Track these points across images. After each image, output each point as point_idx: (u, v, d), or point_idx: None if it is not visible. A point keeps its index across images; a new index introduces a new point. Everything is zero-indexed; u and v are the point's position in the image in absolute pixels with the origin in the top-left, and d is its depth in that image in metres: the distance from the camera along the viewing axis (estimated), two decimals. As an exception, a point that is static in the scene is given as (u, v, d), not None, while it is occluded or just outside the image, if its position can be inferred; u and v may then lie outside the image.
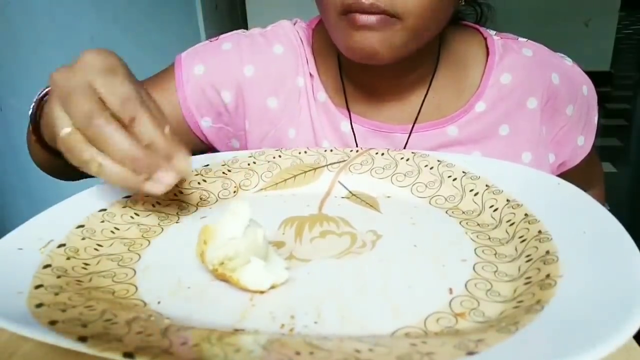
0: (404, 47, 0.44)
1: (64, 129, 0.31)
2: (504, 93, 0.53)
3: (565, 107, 0.53)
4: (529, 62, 0.53)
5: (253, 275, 0.28)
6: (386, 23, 0.42)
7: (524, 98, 0.53)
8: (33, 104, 0.43)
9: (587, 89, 0.55)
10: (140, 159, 0.31)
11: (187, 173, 0.33)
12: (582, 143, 0.56)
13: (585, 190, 0.34)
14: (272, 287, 0.29)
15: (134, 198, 0.38)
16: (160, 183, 0.32)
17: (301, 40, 0.56)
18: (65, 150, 0.31)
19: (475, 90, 0.53)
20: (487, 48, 0.54)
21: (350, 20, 0.42)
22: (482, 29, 0.56)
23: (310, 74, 0.55)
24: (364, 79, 0.53)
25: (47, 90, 0.43)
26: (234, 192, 0.42)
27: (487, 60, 0.54)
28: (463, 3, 0.50)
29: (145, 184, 0.32)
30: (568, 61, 0.55)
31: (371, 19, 0.42)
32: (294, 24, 0.58)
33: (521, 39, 0.55)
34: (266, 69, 0.54)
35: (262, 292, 0.28)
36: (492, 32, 0.56)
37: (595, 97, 0.56)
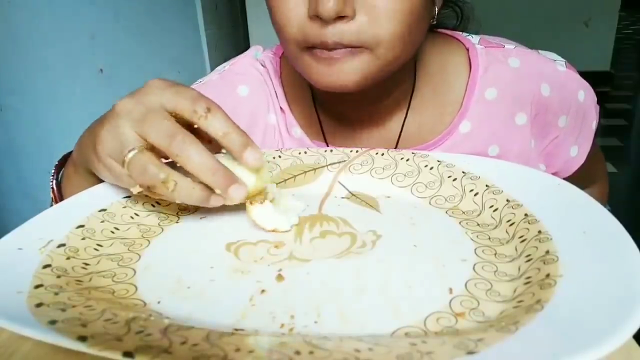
0: (376, 75, 0.41)
1: (132, 150, 0.31)
2: (490, 110, 0.49)
3: (557, 119, 0.50)
4: (516, 74, 0.49)
5: (262, 214, 0.34)
6: (354, 53, 0.39)
7: (512, 114, 0.49)
8: (52, 177, 0.44)
9: (584, 94, 0.50)
10: (219, 171, 0.31)
11: (261, 164, 0.33)
12: (575, 154, 0.52)
13: (587, 187, 0.33)
14: (274, 230, 0.34)
15: (134, 198, 0.38)
16: (231, 198, 0.32)
17: (267, 73, 0.53)
18: (136, 171, 0.32)
19: (459, 108, 0.49)
20: (470, 59, 0.50)
21: (314, 54, 0.40)
22: (462, 38, 0.52)
23: (282, 109, 0.53)
24: (338, 108, 0.51)
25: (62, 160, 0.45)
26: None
27: (469, 74, 0.50)
28: (434, 22, 0.46)
29: (211, 199, 0.33)
30: (561, 66, 0.50)
31: (337, 53, 0.39)
32: (255, 55, 0.55)
33: (508, 46, 0.51)
34: (235, 111, 0.51)
35: (272, 231, 0.34)
36: (475, 39, 0.52)
37: (594, 100, 0.51)
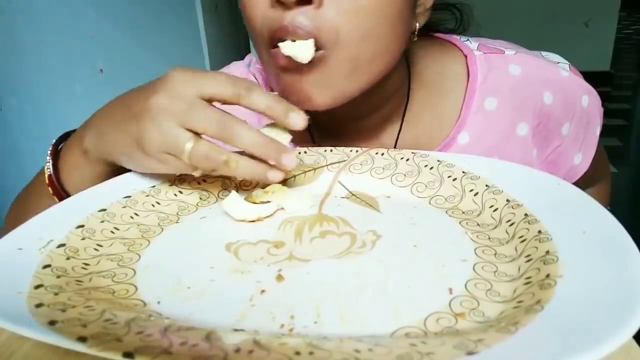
0: (344, 88, 0.39)
1: (188, 142, 0.33)
2: (489, 121, 0.47)
3: (559, 127, 0.48)
4: (517, 83, 0.47)
5: (232, 203, 0.37)
6: (314, 63, 0.37)
7: (513, 125, 0.47)
8: (48, 159, 0.42)
9: (588, 99, 0.48)
10: (270, 143, 0.34)
11: (305, 124, 0.35)
12: (579, 161, 0.51)
13: (589, 186, 0.33)
14: (242, 220, 0.36)
15: (134, 198, 0.38)
16: (284, 165, 0.35)
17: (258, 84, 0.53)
18: (199, 160, 0.33)
19: (457, 119, 0.48)
20: (468, 67, 0.48)
21: (275, 58, 0.38)
22: (460, 43, 0.50)
23: None
24: (328, 121, 0.49)
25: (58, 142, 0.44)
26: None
27: (468, 82, 0.47)
28: (415, 38, 0.43)
29: (269, 173, 0.35)
30: (564, 70, 0.48)
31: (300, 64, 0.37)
32: (249, 65, 0.54)
33: (508, 52, 0.48)
34: None
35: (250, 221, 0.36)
36: (474, 45, 0.49)
37: (599, 104, 0.50)
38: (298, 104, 0.38)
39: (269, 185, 0.40)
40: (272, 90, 0.54)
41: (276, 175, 0.35)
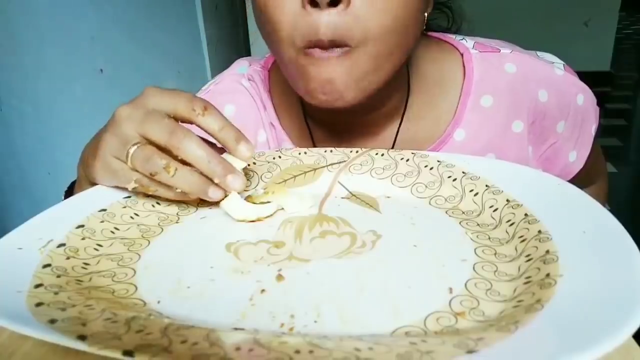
0: (368, 78, 0.40)
1: (135, 145, 0.34)
2: (485, 118, 0.48)
3: (555, 124, 0.49)
4: (513, 80, 0.47)
5: (232, 203, 0.36)
6: (345, 54, 0.38)
7: (509, 122, 0.48)
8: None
9: (583, 98, 0.49)
10: (216, 159, 0.34)
11: (252, 156, 0.36)
12: (574, 159, 0.52)
13: (586, 186, 0.33)
14: (242, 220, 0.36)
15: (135, 198, 0.38)
16: (228, 186, 0.34)
17: (256, 87, 0.53)
18: (140, 161, 0.34)
19: (453, 116, 0.48)
20: (464, 65, 0.49)
21: (309, 56, 0.39)
22: (456, 42, 0.51)
23: (272, 124, 0.52)
24: (329, 118, 0.49)
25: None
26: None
27: (464, 80, 0.48)
28: (424, 25, 0.44)
29: (209, 189, 0.34)
30: (559, 69, 0.49)
31: (333, 52, 0.38)
32: (248, 66, 0.54)
33: (504, 50, 0.49)
34: None
35: (250, 221, 0.36)
36: (470, 43, 0.50)
37: (593, 103, 0.50)
38: (328, 102, 0.40)
39: (268, 185, 0.40)
40: (270, 90, 0.54)
41: (217, 193, 0.35)
